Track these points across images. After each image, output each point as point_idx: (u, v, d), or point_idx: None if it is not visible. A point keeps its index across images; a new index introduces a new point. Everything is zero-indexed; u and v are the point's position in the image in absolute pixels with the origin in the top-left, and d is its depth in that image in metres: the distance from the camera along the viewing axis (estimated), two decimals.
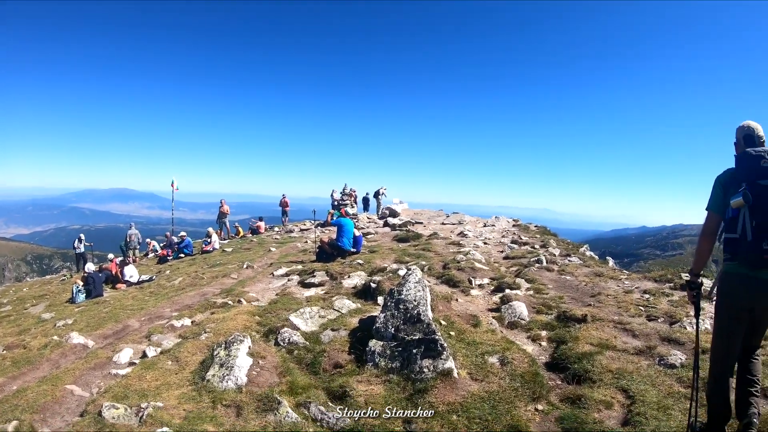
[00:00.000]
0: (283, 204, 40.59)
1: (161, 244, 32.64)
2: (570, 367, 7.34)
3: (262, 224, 36.91)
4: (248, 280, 16.74)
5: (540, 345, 8.63)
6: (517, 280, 12.93)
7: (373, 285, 12.26)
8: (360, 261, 16.97)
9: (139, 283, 21.50)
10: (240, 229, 37.93)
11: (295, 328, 9.43)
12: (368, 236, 25.61)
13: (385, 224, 30.02)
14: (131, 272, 22.33)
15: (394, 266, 15.28)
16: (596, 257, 20.38)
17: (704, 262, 5.25)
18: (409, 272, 9.31)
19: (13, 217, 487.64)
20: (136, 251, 31.96)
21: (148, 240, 35.30)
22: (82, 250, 32.68)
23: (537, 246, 19.88)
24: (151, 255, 32.43)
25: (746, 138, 5.04)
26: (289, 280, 15.80)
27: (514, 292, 11.74)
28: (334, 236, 19.64)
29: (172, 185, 38.54)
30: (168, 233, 34.11)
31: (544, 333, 9.06)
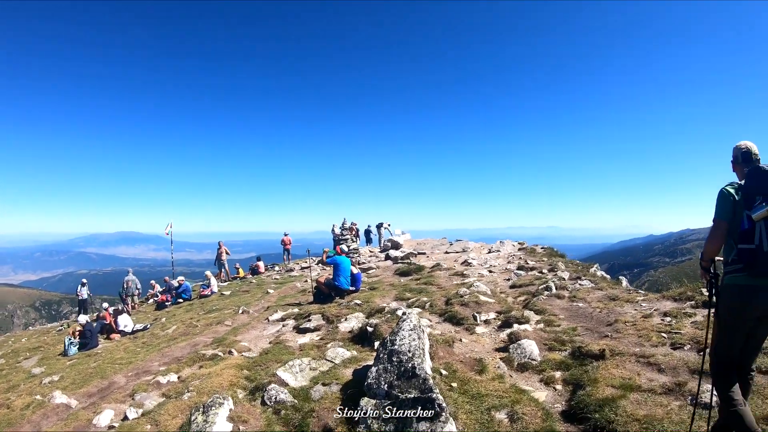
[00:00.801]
0: (285, 242, 40.14)
1: (161, 289, 32.46)
2: (590, 417, 6.33)
3: (261, 264, 36.48)
4: (242, 327, 16.11)
5: (554, 389, 7.62)
6: (526, 312, 11.87)
7: (369, 329, 11.40)
8: (358, 301, 16.05)
9: (133, 332, 21.00)
10: (240, 269, 37.19)
11: (284, 383, 8.61)
12: (369, 271, 24.87)
13: (387, 257, 29.23)
14: (125, 322, 21.81)
15: (394, 305, 14.52)
16: (608, 277, 19.33)
17: (717, 251, 5.41)
18: (404, 318, 8.35)
19: (21, 264, 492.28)
20: (135, 298, 31.24)
21: (152, 282, 35.23)
22: (85, 296, 32.37)
23: (545, 270, 18.83)
24: (151, 301, 31.92)
25: (744, 156, 5.39)
26: (283, 326, 15.04)
27: (522, 327, 10.74)
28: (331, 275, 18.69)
29: (167, 229, 38.27)
30: (167, 278, 33.85)
31: (558, 374, 8.05)
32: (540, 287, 14.79)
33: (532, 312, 12.16)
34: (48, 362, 17.34)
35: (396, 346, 7.38)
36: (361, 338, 11.49)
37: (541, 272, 18.58)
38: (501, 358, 9.02)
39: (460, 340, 10.23)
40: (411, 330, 7.81)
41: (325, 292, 18.13)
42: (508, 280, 18.16)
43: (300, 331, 13.82)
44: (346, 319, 13.62)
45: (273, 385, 8.37)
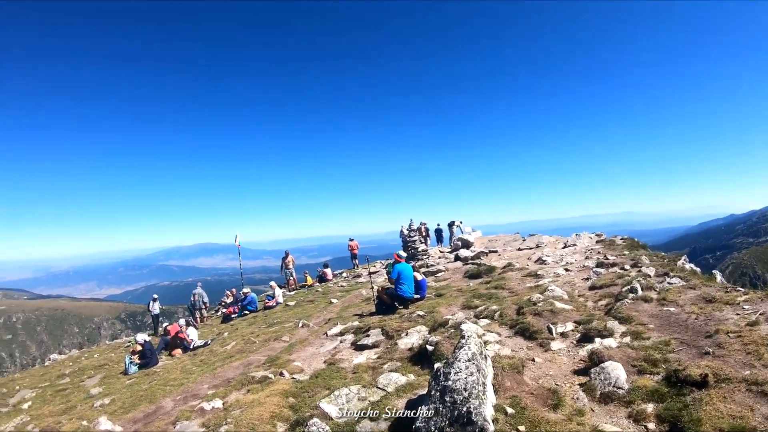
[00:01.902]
0: (351, 247, 39.51)
1: (228, 300, 33.16)
2: None
3: (328, 271, 36.21)
4: (299, 343, 15.52)
5: (646, 429, 6.12)
6: (609, 323, 10.19)
7: (429, 348, 10.26)
8: (421, 312, 14.78)
9: (193, 349, 21.26)
10: (308, 277, 36.83)
11: (327, 417, 7.69)
12: (437, 274, 23.77)
13: (457, 258, 27.96)
14: (193, 335, 22.18)
15: (460, 315, 13.34)
16: (698, 270, 17.45)
17: None
18: (461, 344, 7.04)
19: (105, 279, 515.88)
20: (203, 311, 31.57)
21: (226, 291, 35.81)
22: (157, 311, 32.71)
23: (627, 266, 16.98)
24: (219, 312, 32.03)
25: None
26: (341, 342, 14.19)
27: (605, 342, 9.18)
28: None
29: (236, 240, 38.15)
30: (233, 290, 34.39)
31: (650, 408, 6.53)
32: (623, 288, 13.05)
33: (616, 321, 10.51)
34: (108, 382, 17.75)
35: (450, 382, 6.15)
36: (420, 358, 10.40)
37: (623, 269, 16.76)
38: (580, 385, 7.61)
39: (533, 360, 8.99)
40: (468, 360, 6.51)
41: (388, 302, 16.99)
42: (587, 279, 16.41)
43: (358, 347, 12.94)
44: (406, 334, 12.55)
45: (315, 420, 7.41)
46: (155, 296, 33.27)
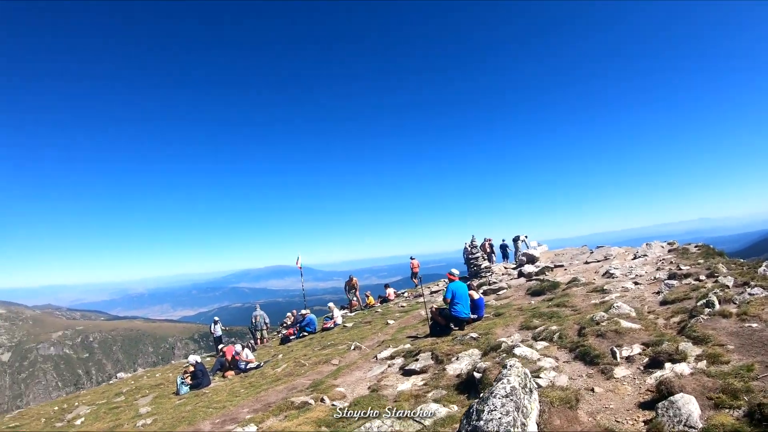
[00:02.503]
0: (412, 266, 38.58)
1: (288, 322, 33.04)
2: None
3: (390, 291, 35.97)
4: (347, 366, 15.16)
5: None
6: (681, 345, 8.81)
7: (477, 375, 9.35)
8: (474, 334, 13.77)
9: (246, 370, 21.30)
10: (370, 297, 36.32)
11: None
12: (499, 292, 22.83)
13: (520, 274, 26.83)
14: (247, 358, 22.13)
15: (516, 337, 12.36)
16: None
17: None
18: (501, 376, 6.06)
19: (179, 301, 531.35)
20: (264, 332, 31.61)
21: (288, 314, 35.15)
22: (219, 333, 32.62)
23: (702, 276, 15.43)
24: (282, 334, 31.35)
25: None
26: (390, 366, 13.42)
27: (677, 368, 7.93)
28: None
29: (297, 262, 38.29)
30: (294, 311, 33.94)
31: None
32: (698, 303, 11.56)
33: (690, 342, 9.17)
34: (159, 401, 18.33)
35: (482, 422, 5.26)
36: (467, 386, 9.52)
37: (698, 279, 15.26)
38: (645, 422, 6.50)
39: (592, 390, 7.94)
40: (506, 396, 5.53)
41: (442, 324, 16.12)
42: (658, 293, 14.92)
43: (405, 372, 12.16)
44: (457, 358, 11.66)
45: None
46: (216, 318, 33.44)
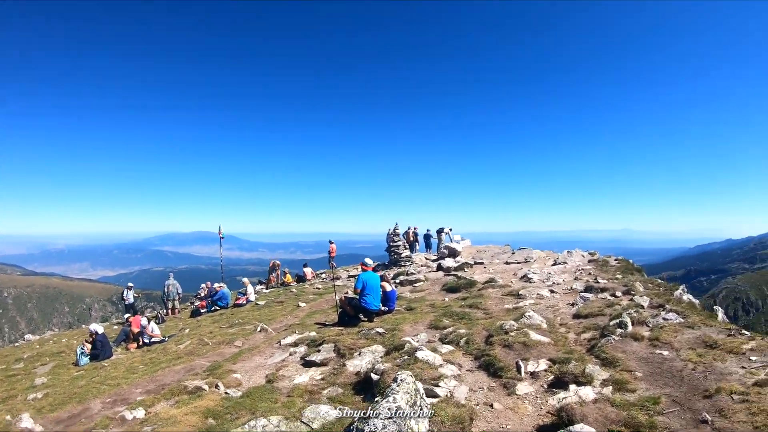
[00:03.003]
0: (330, 251, 38.59)
1: (202, 294, 31.90)
2: None
3: (308, 271, 35.50)
4: (249, 351, 14.35)
5: None
6: (589, 367, 8.35)
7: (375, 377, 8.73)
8: (381, 330, 13.09)
9: (150, 344, 20.36)
10: (288, 275, 35.87)
11: None
12: (416, 284, 22.41)
13: (439, 268, 26.51)
14: (152, 331, 21.23)
15: (423, 336, 11.82)
16: (696, 303, 15.79)
17: None
18: (388, 393, 5.41)
19: (100, 260, 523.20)
20: (176, 303, 30.51)
21: (202, 285, 34.01)
22: (131, 300, 31.38)
23: (619, 293, 15.23)
24: (196, 304, 30.54)
25: None
26: (291, 354, 12.77)
27: (582, 392, 7.48)
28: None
29: (219, 232, 38.31)
30: (209, 283, 32.91)
31: None
32: (611, 321, 11.22)
33: (598, 363, 8.77)
34: (56, 372, 17.25)
35: None
36: (365, 387, 8.97)
37: (614, 295, 15.05)
38: None
39: (491, 406, 7.42)
40: (389, 419, 4.98)
41: (351, 314, 15.48)
42: (572, 305, 14.63)
43: (306, 363, 11.59)
44: (359, 354, 11.07)
45: None
46: (130, 284, 32.11)
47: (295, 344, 13.65)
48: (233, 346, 15.71)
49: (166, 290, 30.26)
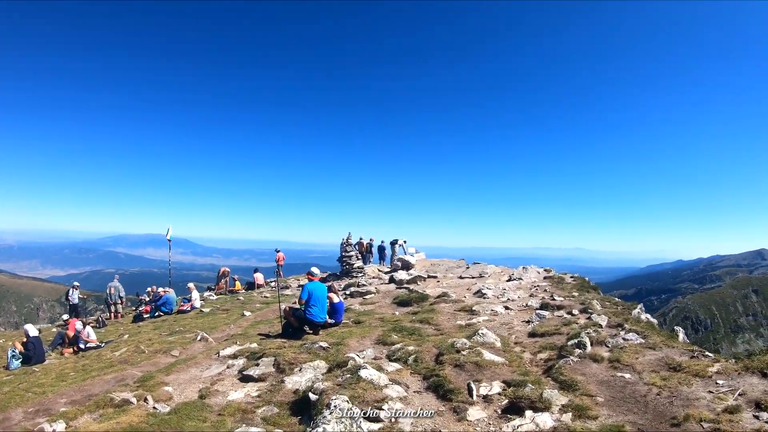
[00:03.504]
0: (278, 259, 38.22)
1: (145, 300, 30.67)
2: None
3: (258, 276, 34.79)
4: (186, 361, 13.38)
5: None
6: (546, 391, 7.61)
7: (313, 397, 7.92)
8: (324, 344, 12.17)
9: (85, 349, 19.48)
10: (237, 282, 35.02)
11: None
12: (366, 296, 21.64)
13: (391, 280, 25.80)
14: (88, 336, 20.41)
15: (370, 353, 10.98)
16: (654, 322, 15.38)
17: None
18: (318, 424, 4.67)
19: (50, 259, 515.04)
20: (119, 306, 30.03)
21: (148, 289, 32.84)
22: (76, 300, 30.24)
23: (576, 311, 14.62)
24: (141, 309, 29.39)
25: None
26: (228, 367, 11.90)
27: (538, 419, 6.78)
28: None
29: (167, 234, 37.36)
30: (154, 287, 31.86)
31: None
32: (569, 341, 10.51)
33: (556, 387, 8.07)
34: None
35: None
36: (302, 407, 8.21)
37: (570, 313, 14.46)
38: None
39: None
40: None
41: (295, 325, 14.58)
42: (528, 322, 13.95)
43: (243, 378, 10.75)
44: (300, 370, 10.26)
45: None
46: (76, 284, 31.03)
47: (235, 356, 12.77)
48: (170, 356, 14.83)
49: (108, 292, 29.64)
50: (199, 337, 16.64)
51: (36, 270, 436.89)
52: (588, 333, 10.98)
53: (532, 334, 12.51)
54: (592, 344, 10.40)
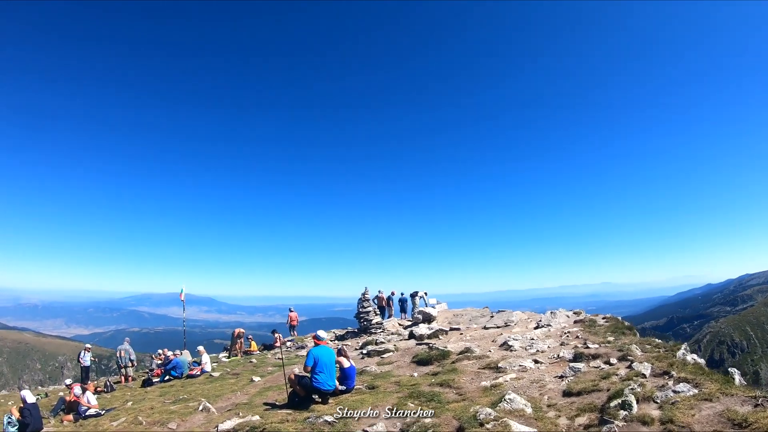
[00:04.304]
0: (290, 319, 37.59)
1: (156, 363, 30.25)
2: None
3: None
4: None
5: None
6: None
7: None
8: (330, 419, 10.62)
9: (85, 417, 18.59)
10: (253, 343, 34.06)
11: None
12: (384, 355, 20.11)
13: (411, 335, 24.25)
14: (88, 402, 19.45)
15: (381, 427, 9.51)
16: (702, 363, 13.65)
17: None
18: None
19: (75, 318, 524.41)
20: (129, 370, 29.20)
21: (159, 351, 32.77)
22: (87, 363, 29.97)
23: (614, 359, 12.99)
24: (155, 371, 28.73)
25: None
26: None
27: None
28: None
29: (181, 294, 37.68)
30: (165, 350, 31.64)
31: None
32: (612, 402, 8.92)
33: None
34: None
35: None
36: None
37: (608, 363, 12.85)
38: None
39: None
40: None
41: (301, 395, 13.14)
42: (561, 378, 12.35)
43: None
44: None
45: None
46: (88, 346, 30.73)
47: (234, 431, 11.41)
48: (166, 428, 13.58)
49: (118, 355, 28.90)
50: (201, 407, 15.25)
51: (61, 329, 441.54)
52: (632, 389, 9.41)
53: (567, 393, 10.93)
54: (638, 401, 8.93)
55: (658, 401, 8.92)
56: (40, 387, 41.19)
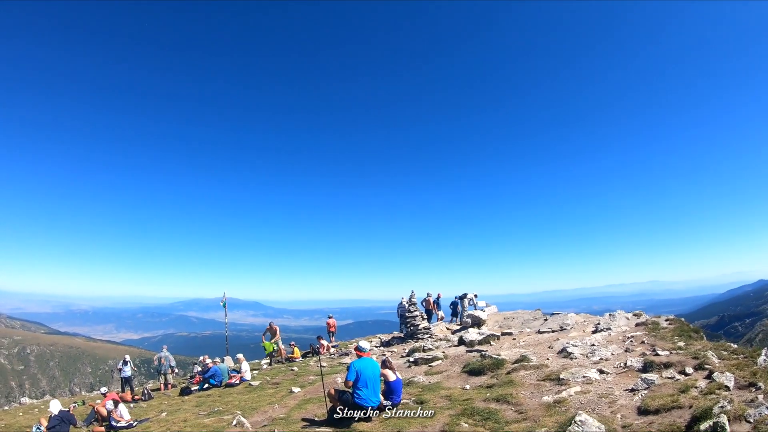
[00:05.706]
0: (329, 325, 36.33)
1: (197, 370, 30.38)
2: None
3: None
4: None
5: None
6: None
7: None
8: None
9: (117, 429, 18.73)
10: (296, 349, 32.86)
11: None
12: (432, 363, 18.81)
13: (460, 341, 22.76)
14: (120, 415, 19.46)
15: None
16: None
17: None
18: None
19: (124, 323, 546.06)
20: (169, 377, 28.83)
21: (201, 358, 31.88)
22: (128, 374, 29.22)
23: (689, 369, 11.55)
24: (194, 378, 28.84)
25: None
26: None
27: None
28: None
29: (223, 299, 36.65)
30: (205, 357, 30.76)
31: None
32: (701, 425, 7.53)
33: None
34: None
35: None
36: None
37: (683, 372, 11.43)
38: None
39: None
40: None
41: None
42: (632, 391, 10.93)
43: None
44: None
45: None
46: (127, 357, 29.92)
47: None
48: None
49: (157, 362, 28.62)
50: (235, 422, 14.20)
51: (111, 333, 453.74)
52: (722, 407, 8.03)
53: (643, 411, 9.51)
54: (729, 421, 7.58)
55: (752, 420, 7.65)
56: (84, 392, 41.18)
